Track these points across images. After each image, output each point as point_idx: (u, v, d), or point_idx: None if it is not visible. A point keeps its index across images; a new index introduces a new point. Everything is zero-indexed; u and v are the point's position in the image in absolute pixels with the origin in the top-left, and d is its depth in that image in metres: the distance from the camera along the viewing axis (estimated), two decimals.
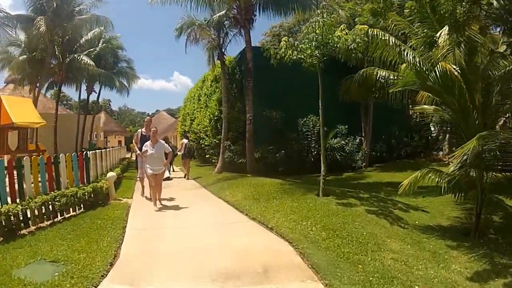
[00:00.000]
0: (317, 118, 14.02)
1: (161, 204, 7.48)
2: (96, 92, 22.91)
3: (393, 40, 6.57)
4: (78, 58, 16.13)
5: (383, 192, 8.56)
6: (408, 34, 7.53)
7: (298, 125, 13.88)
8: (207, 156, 15.98)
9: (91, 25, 16.40)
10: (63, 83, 18.94)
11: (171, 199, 8.20)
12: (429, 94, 6.50)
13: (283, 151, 13.07)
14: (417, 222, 6.26)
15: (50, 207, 6.01)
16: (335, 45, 7.36)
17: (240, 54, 14.32)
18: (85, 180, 8.34)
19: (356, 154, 13.87)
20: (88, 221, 6.03)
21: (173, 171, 15.06)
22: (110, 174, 8.21)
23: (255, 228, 5.77)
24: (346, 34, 7.20)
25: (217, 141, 13.84)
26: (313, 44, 7.50)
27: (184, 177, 12.91)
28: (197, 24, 12.54)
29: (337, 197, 7.66)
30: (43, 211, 5.86)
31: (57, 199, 6.20)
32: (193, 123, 17.64)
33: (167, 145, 7.72)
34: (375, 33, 6.71)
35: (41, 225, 5.70)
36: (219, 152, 13.52)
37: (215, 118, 13.93)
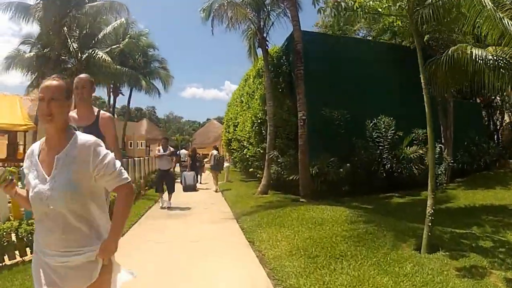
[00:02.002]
0: (390, 120, 10.53)
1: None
2: (123, 95, 21.26)
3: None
4: (93, 53, 14.34)
5: (489, 224, 6.71)
6: None
7: (365, 128, 10.49)
8: (250, 170, 13.12)
9: (105, 12, 14.58)
10: None
11: (181, 242, 5.40)
12: None
13: (348, 165, 9.76)
14: None
15: None
16: None
17: (287, 40, 11.35)
18: None
19: (437, 166, 10.31)
20: None
21: (200, 183, 13.97)
22: None
23: None
24: None
25: (262, 151, 10.91)
26: None
27: (216, 191, 11.76)
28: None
29: (450, 253, 4.32)
30: None
31: None
32: (236, 129, 14.97)
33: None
34: None
35: None
36: (264, 165, 10.67)
37: (259, 121, 11.01)
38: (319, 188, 8.94)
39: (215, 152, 12.51)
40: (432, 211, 4.55)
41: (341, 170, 9.62)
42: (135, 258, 4.27)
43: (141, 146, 33.92)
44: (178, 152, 15.39)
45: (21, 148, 8.74)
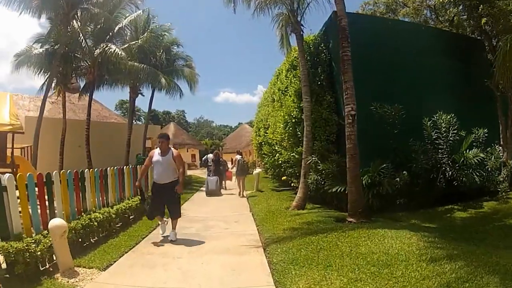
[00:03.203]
0: (451, 117, 8.46)
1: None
2: (143, 95, 19.78)
3: None
4: (106, 48, 13.22)
5: None
6: None
7: (421, 127, 8.49)
8: (283, 178, 11.35)
9: (119, 4, 13.49)
10: (95, 82, 15.98)
11: None
12: None
13: (404, 172, 7.80)
14: None
15: None
16: None
17: (325, 25, 9.58)
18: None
19: (497, 172, 8.80)
20: None
21: (225, 188, 13.56)
22: (55, 222, 4.15)
23: None
24: None
25: (297, 156, 9.13)
26: None
27: (239, 194, 11.63)
28: None
29: None
30: None
31: None
32: (267, 131, 13.30)
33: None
34: None
35: None
36: (300, 173, 8.93)
37: (293, 120, 9.23)
38: (372, 203, 7.00)
39: (238, 157, 12.19)
40: None
41: (397, 179, 7.64)
42: None
43: None
44: (205, 157, 14.82)
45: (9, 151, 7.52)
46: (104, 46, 13.57)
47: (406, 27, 11.49)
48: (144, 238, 5.93)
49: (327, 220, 6.38)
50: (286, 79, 11.04)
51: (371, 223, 6.06)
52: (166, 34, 18.31)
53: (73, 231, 4.81)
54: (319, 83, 8.99)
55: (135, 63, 15.39)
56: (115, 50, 13.45)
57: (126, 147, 17.23)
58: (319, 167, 7.82)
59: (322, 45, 9.43)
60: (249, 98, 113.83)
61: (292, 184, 10.76)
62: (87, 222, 5.25)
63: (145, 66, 15.82)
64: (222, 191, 12.87)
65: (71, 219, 5.22)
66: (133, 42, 15.46)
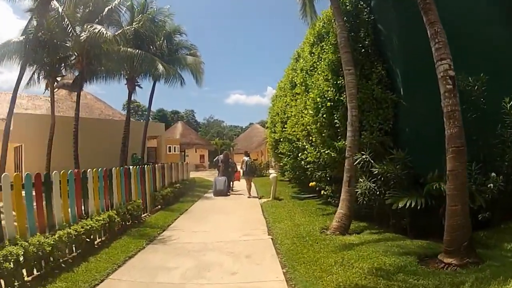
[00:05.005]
0: None
1: None
2: (141, 87, 17.38)
3: None
4: (90, 28, 10.87)
5: None
6: None
7: (500, 111, 5.74)
8: (311, 184, 8.71)
9: None
10: (85, 73, 13.92)
11: None
12: None
13: (493, 174, 5.21)
14: None
15: None
16: None
17: None
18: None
19: None
20: None
21: (232, 189, 13.31)
22: None
23: None
24: None
25: (334, 154, 6.47)
26: None
27: (248, 195, 11.56)
28: None
29: None
30: None
31: None
32: (286, 126, 10.71)
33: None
34: None
35: None
36: (336, 177, 6.35)
37: (328, 103, 6.55)
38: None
39: (246, 158, 12.38)
40: None
41: (490, 185, 5.03)
42: None
43: (175, 150, 30.08)
44: (216, 158, 14.54)
45: None
46: (89, 27, 11.22)
47: None
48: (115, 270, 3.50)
49: (406, 261, 3.75)
50: (311, 57, 8.48)
51: (486, 267, 3.45)
52: (167, 20, 15.98)
53: None
54: (362, 50, 6.39)
55: (129, 49, 13.08)
56: (99, 30, 11.09)
57: (121, 146, 14.88)
58: (374, 169, 5.20)
59: (361, 3, 6.86)
60: (259, 99, 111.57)
61: (322, 192, 8.14)
62: None
63: (139, 51, 13.47)
64: (230, 192, 12.70)
65: None
66: (128, 27, 13.13)
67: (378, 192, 5.37)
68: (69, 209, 4.92)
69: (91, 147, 15.25)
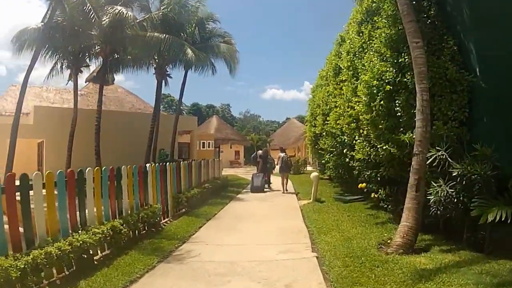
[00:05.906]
0: None
1: None
2: (171, 77, 16.26)
3: None
4: (111, 10, 10.32)
5: None
6: None
7: None
8: (361, 186, 7.49)
9: None
10: (108, 61, 13.31)
11: None
12: None
13: None
14: None
15: None
16: None
17: None
18: None
19: None
20: None
21: (269, 185, 13.19)
22: None
23: None
24: None
25: (393, 149, 5.25)
26: None
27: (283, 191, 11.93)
28: None
29: None
30: None
31: None
32: (328, 118, 9.54)
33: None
34: None
35: None
36: (391, 178, 5.20)
37: (386, 86, 5.24)
38: None
39: (282, 154, 12.70)
40: None
41: None
42: None
43: (209, 146, 29.33)
44: (254, 153, 14.62)
45: None
46: (109, 8, 10.73)
47: None
48: None
49: None
50: (359, 37, 7.26)
51: None
52: (200, 5, 15.20)
53: None
54: (428, 21, 5.12)
55: (155, 33, 12.46)
56: (119, 11, 10.55)
57: (148, 141, 14.43)
58: (453, 170, 3.98)
59: None
60: (296, 94, 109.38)
61: (372, 195, 6.93)
62: None
63: (167, 35, 12.85)
64: (266, 190, 12.63)
65: None
66: (156, 12, 12.56)
67: (456, 200, 4.14)
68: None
69: (115, 142, 14.91)
